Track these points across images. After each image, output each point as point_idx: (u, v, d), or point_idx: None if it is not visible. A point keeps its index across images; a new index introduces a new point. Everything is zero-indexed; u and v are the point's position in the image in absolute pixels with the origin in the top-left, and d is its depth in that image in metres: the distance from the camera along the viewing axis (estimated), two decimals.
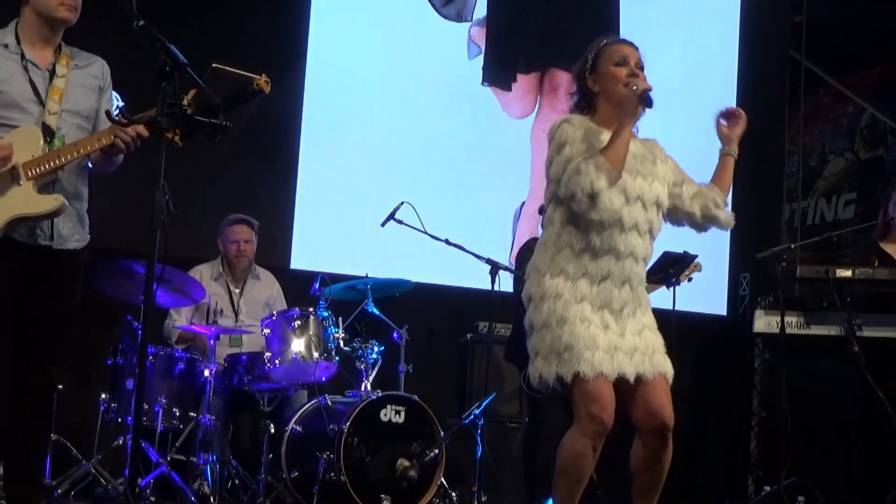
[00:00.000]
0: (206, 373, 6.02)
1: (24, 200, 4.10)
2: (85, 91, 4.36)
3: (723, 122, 4.61)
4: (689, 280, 6.94)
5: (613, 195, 4.09)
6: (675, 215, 4.45)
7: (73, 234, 4.31)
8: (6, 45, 4.26)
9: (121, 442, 5.91)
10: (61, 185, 4.24)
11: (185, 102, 3.82)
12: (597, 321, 4.13)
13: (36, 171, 4.11)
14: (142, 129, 4.15)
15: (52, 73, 4.28)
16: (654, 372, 4.18)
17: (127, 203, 6.58)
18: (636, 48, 4.56)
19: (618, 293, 4.18)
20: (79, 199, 4.36)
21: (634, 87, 4.31)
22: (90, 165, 4.40)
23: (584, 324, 4.11)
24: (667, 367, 4.23)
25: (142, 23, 3.78)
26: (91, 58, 4.46)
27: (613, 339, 4.13)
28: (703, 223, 4.47)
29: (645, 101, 4.29)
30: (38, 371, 4.22)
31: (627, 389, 4.16)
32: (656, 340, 4.25)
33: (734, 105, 8.98)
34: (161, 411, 5.95)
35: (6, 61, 4.23)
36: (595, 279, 4.17)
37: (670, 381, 4.25)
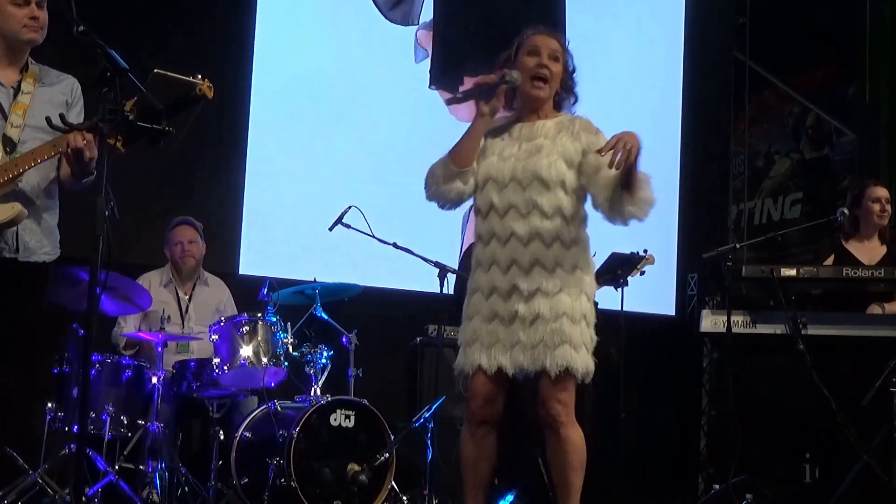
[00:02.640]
0: (154, 380, 5.98)
1: None
2: (51, 107, 4.32)
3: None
4: (642, 273, 6.96)
5: (456, 185, 4.28)
6: (591, 196, 4.30)
7: (41, 247, 4.30)
8: None
9: (68, 451, 5.85)
10: (26, 196, 4.21)
11: (127, 108, 3.79)
12: (485, 311, 4.24)
13: None
14: (88, 135, 4.07)
15: (17, 90, 4.28)
16: (536, 367, 4.19)
17: (71, 210, 6.52)
18: (555, 37, 4.53)
19: (503, 277, 4.21)
20: (47, 212, 4.34)
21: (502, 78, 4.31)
22: (59, 179, 4.38)
23: (474, 319, 4.26)
24: (557, 360, 4.15)
25: (82, 28, 3.75)
26: (61, 76, 4.46)
27: (497, 329, 4.21)
28: (610, 211, 4.25)
29: (479, 94, 4.31)
30: None
31: (530, 381, 4.24)
32: (550, 329, 4.16)
33: (679, 110, 9.15)
34: (108, 419, 5.90)
35: None
36: (486, 266, 4.27)
37: (557, 372, 4.16)
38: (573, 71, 4.55)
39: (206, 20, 7.70)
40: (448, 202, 4.39)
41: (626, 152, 4.02)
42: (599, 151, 4.10)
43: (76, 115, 4.43)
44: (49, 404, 5.97)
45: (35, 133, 4.27)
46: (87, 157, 4.09)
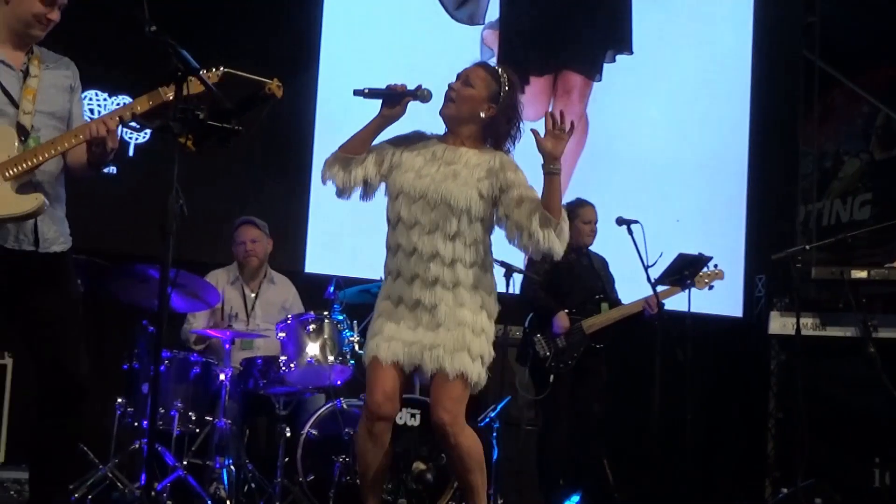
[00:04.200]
0: (222, 377, 6.03)
1: (4, 201, 3.97)
2: (57, 91, 4.24)
3: (541, 136, 4.45)
4: (710, 288, 6.92)
5: (338, 169, 4.49)
6: (509, 229, 4.45)
7: (57, 237, 4.18)
8: None
9: (137, 446, 5.92)
10: (41, 186, 4.10)
11: (198, 107, 3.81)
12: (393, 316, 4.40)
13: (12, 171, 3.98)
14: (111, 123, 4.04)
15: (26, 74, 4.16)
16: (433, 367, 4.31)
17: (141, 208, 6.61)
18: (483, 68, 4.71)
19: (407, 288, 4.38)
20: (59, 202, 4.23)
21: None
22: (68, 166, 4.25)
23: (380, 318, 4.44)
24: (455, 364, 4.29)
25: (154, 28, 3.76)
26: (59, 58, 4.32)
27: (402, 330, 4.35)
28: (530, 242, 4.39)
29: (385, 96, 4.53)
30: (58, 374, 4.12)
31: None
32: (452, 336, 4.31)
33: (748, 111, 9.08)
34: (177, 415, 5.96)
35: None
36: (393, 276, 4.46)
37: (454, 375, 4.29)
38: (506, 114, 4.58)
39: (274, 20, 7.76)
40: (331, 181, 4.55)
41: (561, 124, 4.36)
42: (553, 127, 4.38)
43: (78, 101, 4.35)
44: (119, 400, 6.05)
45: (47, 119, 4.17)
46: (110, 147, 4.08)
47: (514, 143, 4.61)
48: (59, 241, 4.18)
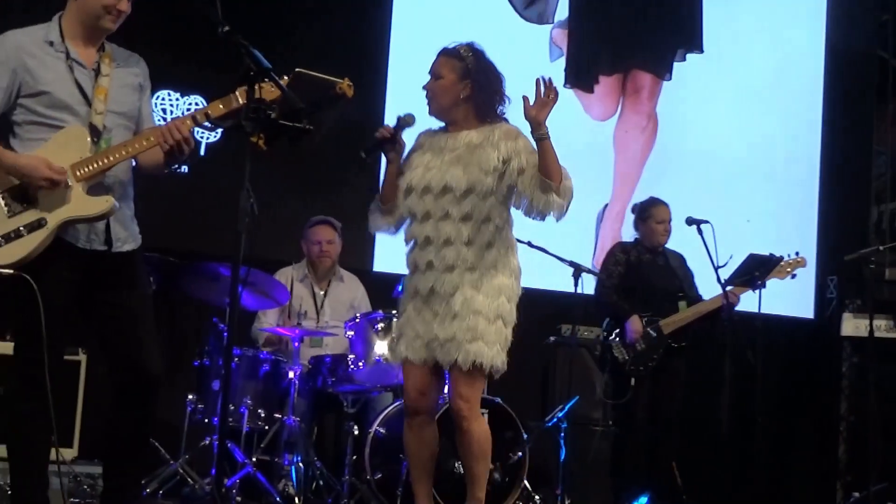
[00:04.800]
0: (291, 374, 6.07)
1: (75, 203, 4.01)
2: (128, 90, 4.25)
3: (529, 102, 4.62)
4: (793, 276, 6.84)
5: (384, 218, 4.71)
6: (515, 197, 4.63)
7: (127, 237, 4.21)
8: (51, 43, 4.13)
9: (207, 442, 5.98)
10: (112, 187, 4.14)
11: (269, 107, 3.84)
12: (410, 310, 4.58)
13: (84, 171, 4.02)
14: (185, 129, 4.08)
15: (98, 72, 4.16)
16: (447, 361, 4.45)
17: (212, 207, 6.67)
18: (444, 56, 4.90)
19: (423, 278, 4.54)
20: (128, 201, 4.25)
21: None
22: (139, 165, 4.29)
23: (402, 317, 4.63)
24: (468, 355, 4.41)
25: (227, 28, 3.78)
26: (130, 55, 4.33)
27: (420, 326, 4.52)
28: (533, 210, 4.59)
29: (383, 146, 4.75)
30: (132, 369, 4.15)
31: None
32: (465, 326, 4.42)
33: (820, 109, 8.97)
34: (246, 412, 6.01)
35: (53, 61, 4.11)
36: (412, 269, 4.63)
37: (467, 367, 4.43)
38: (482, 81, 4.75)
39: (345, 20, 7.79)
40: (381, 231, 4.81)
41: (548, 91, 4.54)
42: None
43: (148, 100, 4.38)
44: (190, 396, 6.11)
45: (117, 119, 4.18)
46: (187, 149, 4.12)
47: (504, 103, 4.78)
48: (129, 241, 4.21)
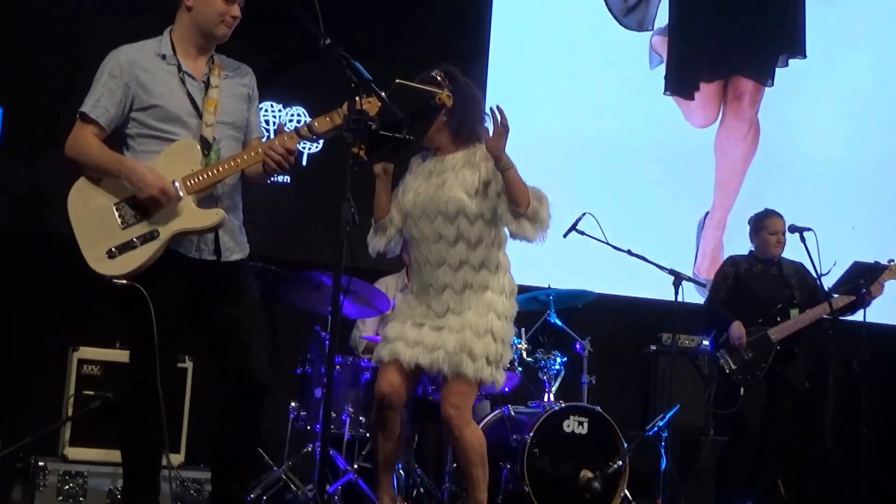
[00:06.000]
0: None
1: (186, 215, 4.09)
2: (237, 101, 4.32)
3: (489, 134, 4.64)
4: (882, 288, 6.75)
5: (378, 236, 4.86)
6: (500, 216, 4.72)
7: (236, 247, 4.28)
8: (163, 56, 4.21)
9: (310, 449, 6.05)
10: (221, 198, 4.21)
11: (370, 118, 3.88)
12: (404, 319, 4.76)
13: (195, 183, 4.09)
14: (291, 144, 4.14)
15: (207, 84, 4.24)
16: (433, 368, 4.66)
17: (314, 216, 6.76)
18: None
19: (417, 300, 4.77)
20: (236, 211, 4.33)
21: None
22: (245, 175, 4.34)
23: (396, 324, 4.78)
24: (450, 367, 4.60)
25: (328, 41, 3.83)
26: (239, 66, 4.40)
27: (411, 333, 4.69)
28: (511, 234, 4.75)
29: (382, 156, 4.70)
30: (241, 375, 4.22)
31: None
32: (454, 339, 4.61)
33: None
34: (348, 420, 6.06)
35: (165, 74, 4.18)
36: (411, 287, 4.88)
37: (452, 376, 4.62)
38: (461, 105, 4.70)
39: (443, 30, 7.83)
40: (377, 250, 4.91)
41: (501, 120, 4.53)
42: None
43: (256, 111, 4.45)
44: (292, 404, 6.18)
45: (227, 130, 4.25)
46: (292, 162, 4.18)
47: (484, 123, 4.79)
48: (237, 250, 4.29)
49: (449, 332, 4.65)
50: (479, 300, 4.70)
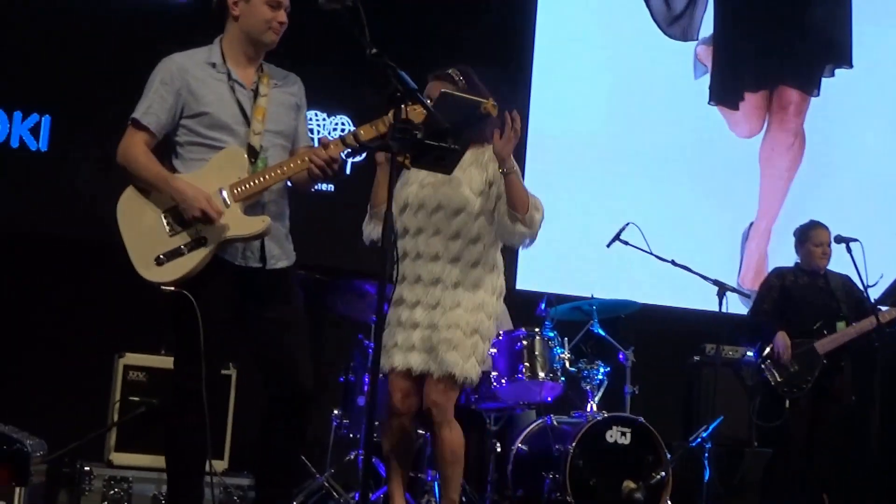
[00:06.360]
0: None
1: (233, 222, 4.10)
2: (285, 110, 4.33)
3: (499, 137, 4.60)
4: None
5: (374, 223, 4.83)
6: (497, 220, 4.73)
7: (282, 255, 4.29)
8: (213, 65, 4.24)
9: (352, 457, 6.07)
10: (267, 205, 4.23)
11: (416, 127, 3.89)
12: (395, 319, 4.71)
13: (242, 191, 4.11)
14: (335, 152, 4.14)
15: (256, 93, 4.26)
16: (422, 369, 4.64)
17: (358, 225, 6.77)
18: (442, 81, 4.75)
19: (410, 290, 4.70)
20: (283, 219, 4.34)
21: None
22: (289, 185, 4.38)
23: (390, 327, 4.72)
24: (442, 365, 4.59)
25: (374, 50, 3.85)
26: (287, 75, 4.42)
27: (401, 335, 4.68)
28: (501, 236, 4.76)
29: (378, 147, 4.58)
30: (286, 382, 4.23)
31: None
32: (442, 338, 4.60)
33: None
34: None
35: (214, 82, 4.21)
36: (401, 279, 4.73)
37: (440, 375, 4.61)
38: None
39: (487, 41, 7.83)
40: (372, 238, 4.87)
41: (511, 130, 4.52)
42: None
43: (304, 120, 4.47)
44: (335, 411, 6.21)
45: (274, 139, 4.27)
46: (337, 170, 4.19)
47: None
48: (283, 258, 4.30)
49: (439, 329, 4.64)
50: (471, 298, 4.70)
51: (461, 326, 4.65)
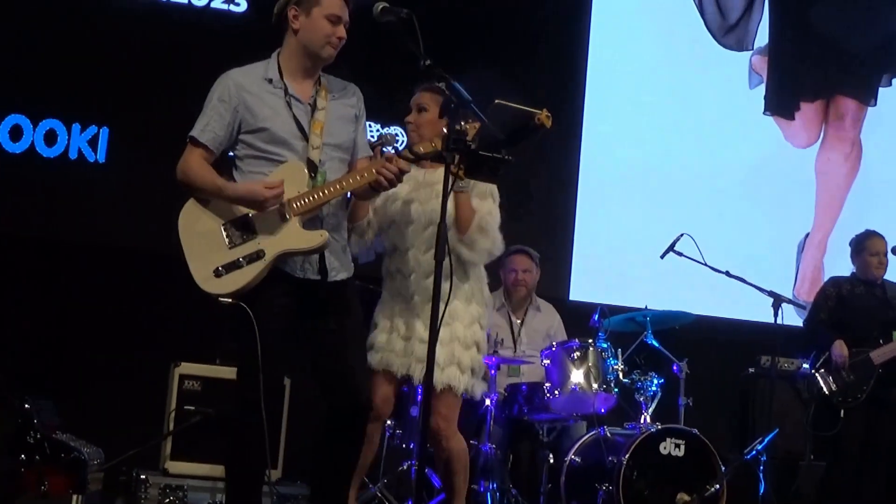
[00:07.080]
0: (487, 402, 6.10)
1: (292, 236, 4.14)
2: (343, 122, 4.36)
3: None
4: None
5: (353, 238, 4.77)
6: None
7: (341, 267, 4.33)
8: (270, 80, 4.27)
9: (405, 467, 6.07)
10: (325, 219, 4.27)
11: (469, 138, 3.90)
12: (390, 328, 4.79)
13: (301, 205, 4.15)
14: (404, 165, 4.18)
15: (314, 107, 4.29)
16: (422, 380, 4.47)
17: None
18: (427, 92, 4.86)
19: (405, 307, 4.79)
20: (341, 231, 4.38)
21: None
22: (349, 196, 4.43)
23: (382, 333, 4.81)
24: (444, 378, 4.66)
25: (429, 62, 3.87)
26: (346, 86, 4.45)
27: (398, 344, 4.74)
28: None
29: None
30: (345, 393, 4.26)
31: None
32: (442, 352, 4.55)
33: None
34: None
35: (271, 97, 4.24)
36: (393, 294, 4.85)
37: (441, 388, 4.67)
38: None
39: (541, 51, 7.86)
40: (356, 252, 4.79)
41: None
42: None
43: (363, 130, 4.48)
44: (388, 421, 6.21)
45: (332, 152, 4.30)
46: (397, 184, 4.24)
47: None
48: (342, 270, 4.33)
49: (438, 344, 4.48)
50: (466, 311, 4.78)
51: (460, 339, 4.75)
